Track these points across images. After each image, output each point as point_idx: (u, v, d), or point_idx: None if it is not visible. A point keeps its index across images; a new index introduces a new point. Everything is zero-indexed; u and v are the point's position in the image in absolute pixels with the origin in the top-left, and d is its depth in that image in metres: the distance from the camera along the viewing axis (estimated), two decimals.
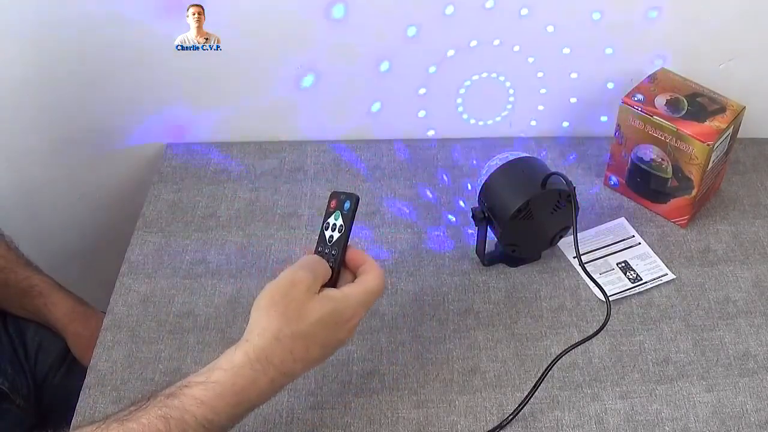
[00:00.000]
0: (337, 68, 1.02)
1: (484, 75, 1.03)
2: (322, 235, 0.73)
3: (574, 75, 1.04)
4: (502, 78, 1.04)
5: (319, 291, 0.68)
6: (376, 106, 1.07)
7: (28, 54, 1.00)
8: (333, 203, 0.74)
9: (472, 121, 1.09)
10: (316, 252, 0.73)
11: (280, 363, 0.64)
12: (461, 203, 1.01)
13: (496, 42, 0.99)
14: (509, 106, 1.07)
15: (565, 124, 1.09)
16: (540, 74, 1.03)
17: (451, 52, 1.00)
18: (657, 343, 0.85)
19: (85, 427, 0.60)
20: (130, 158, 1.13)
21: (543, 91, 1.05)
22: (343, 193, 0.74)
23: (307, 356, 0.66)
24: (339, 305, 0.67)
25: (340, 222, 0.73)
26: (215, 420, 0.61)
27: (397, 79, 1.03)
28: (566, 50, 1.00)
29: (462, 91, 1.05)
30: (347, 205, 0.73)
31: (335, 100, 1.06)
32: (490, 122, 1.09)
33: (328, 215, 0.74)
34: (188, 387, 0.62)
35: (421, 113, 1.08)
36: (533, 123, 1.09)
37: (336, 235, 0.72)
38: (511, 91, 1.05)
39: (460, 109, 1.07)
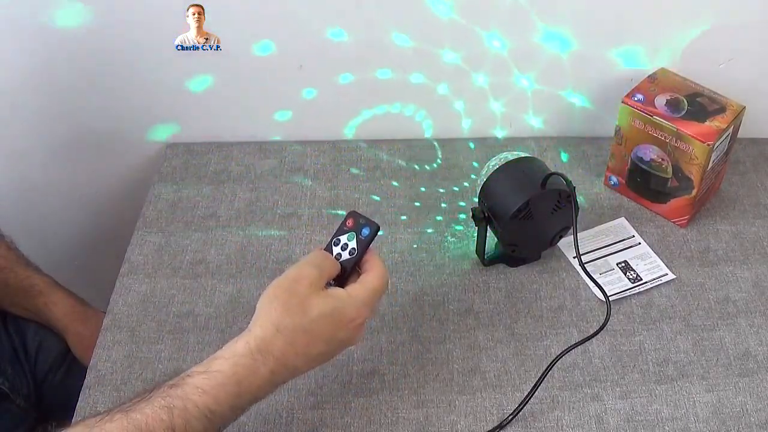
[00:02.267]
0: (338, 68, 1.02)
1: (484, 74, 1.03)
2: (329, 249, 0.73)
3: (574, 74, 1.03)
4: (501, 77, 1.04)
5: (326, 288, 0.68)
6: (376, 107, 1.07)
7: (28, 54, 1.00)
8: (350, 222, 0.73)
9: (472, 121, 1.09)
10: None
11: (281, 355, 0.64)
12: (461, 203, 1.01)
13: (496, 42, 0.99)
14: (509, 106, 1.08)
15: (566, 124, 1.09)
16: (540, 74, 1.03)
17: (450, 53, 1.00)
18: (657, 343, 0.85)
19: (89, 418, 0.61)
20: (130, 158, 1.13)
21: (543, 91, 1.05)
22: (364, 217, 0.73)
23: (308, 351, 0.66)
24: (341, 303, 0.67)
25: (353, 245, 0.72)
26: (217, 410, 0.62)
27: (397, 79, 1.03)
28: (567, 49, 1.00)
29: (461, 90, 1.05)
30: (366, 231, 0.72)
31: (335, 100, 1.06)
32: (490, 122, 1.09)
33: (341, 232, 0.73)
34: (190, 376, 0.63)
35: (421, 113, 1.08)
36: (533, 123, 1.09)
37: (346, 256, 0.71)
38: (511, 91, 1.05)
39: (460, 108, 1.07)
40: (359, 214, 0.73)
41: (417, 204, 1.01)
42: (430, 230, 0.98)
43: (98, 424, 0.59)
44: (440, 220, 0.99)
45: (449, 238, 0.97)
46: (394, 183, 1.04)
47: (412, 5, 0.95)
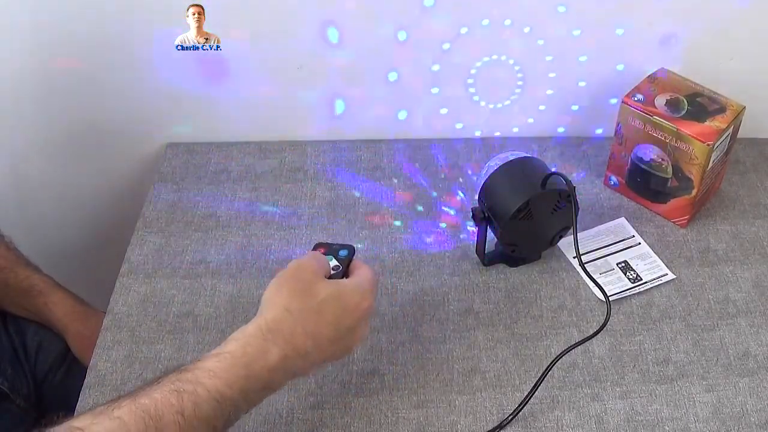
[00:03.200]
0: (337, 69, 1.02)
1: (485, 73, 1.03)
2: None
3: (574, 74, 1.03)
4: (502, 76, 1.04)
5: None
6: (376, 107, 1.07)
7: (28, 54, 1.00)
8: (322, 250, 0.75)
9: (472, 121, 1.09)
10: None
11: (291, 336, 0.65)
12: (461, 203, 1.01)
13: (496, 40, 0.99)
14: (510, 105, 1.08)
15: (565, 124, 1.09)
16: (540, 74, 1.03)
17: (450, 54, 1.00)
18: (657, 343, 0.85)
19: (99, 407, 0.60)
20: (130, 158, 1.13)
21: (543, 90, 1.05)
22: (336, 243, 0.76)
23: (318, 334, 0.66)
24: (345, 288, 0.69)
25: (335, 263, 0.74)
26: (227, 394, 0.61)
27: (397, 78, 1.03)
28: (567, 49, 1.00)
29: (462, 90, 1.05)
30: (344, 252, 0.75)
31: (335, 100, 1.06)
32: (490, 122, 1.09)
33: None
34: (202, 361, 0.63)
35: (422, 113, 1.08)
36: (533, 123, 1.09)
37: (331, 272, 0.73)
38: (511, 91, 1.05)
39: (460, 108, 1.07)
40: (327, 243, 0.76)
41: (417, 204, 1.01)
42: (430, 230, 0.97)
43: (105, 411, 0.59)
44: (440, 219, 0.99)
45: (449, 237, 0.96)
46: (394, 183, 1.04)
47: None
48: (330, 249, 0.75)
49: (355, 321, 0.69)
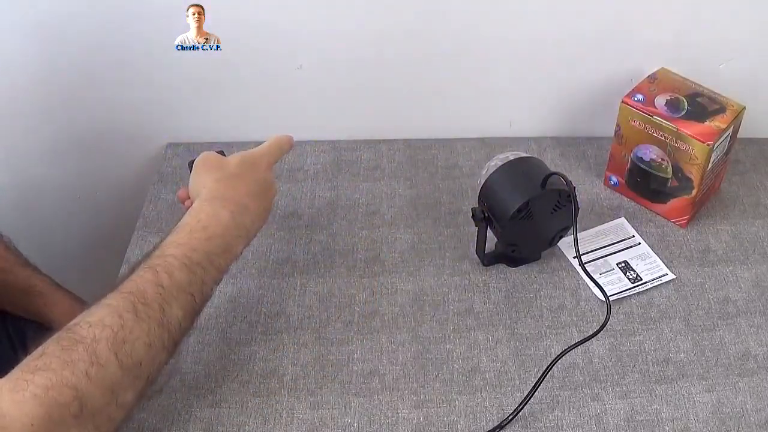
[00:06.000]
0: (337, 68, 1.02)
1: (485, 73, 1.03)
2: None
3: (574, 75, 1.03)
4: (502, 77, 1.04)
5: None
6: (376, 106, 1.07)
7: (28, 54, 1.00)
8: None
9: (472, 121, 1.09)
10: None
11: (228, 196, 0.76)
12: (461, 203, 1.01)
13: (496, 40, 0.99)
14: (509, 105, 1.08)
15: (565, 124, 1.09)
16: (540, 74, 1.03)
17: (450, 51, 1.00)
18: (657, 343, 0.85)
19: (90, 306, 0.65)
20: (130, 158, 1.13)
21: (543, 90, 1.05)
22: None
23: (246, 189, 0.78)
24: (246, 153, 0.82)
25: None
26: (194, 258, 0.70)
27: (397, 78, 1.03)
28: (567, 50, 1.00)
29: (462, 90, 1.05)
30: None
31: (335, 100, 1.06)
32: (490, 122, 1.09)
33: None
34: (163, 243, 0.71)
35: (422, 113, 1.08)
36: (533, 123, 1.09)
37: None
38: (511, 91, 1.05)
39: (460, 108, 1.07)
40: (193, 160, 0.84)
41: (417, 204, 1.01)
42: (430, 230, 0.97)
43: (95, 305, 0.65)
44: (440, 219, 0.99)
45: (449, 237, 0.96)
46: (394, 183, 1.04)
47: None
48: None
49: (265, 174, 0.81)
